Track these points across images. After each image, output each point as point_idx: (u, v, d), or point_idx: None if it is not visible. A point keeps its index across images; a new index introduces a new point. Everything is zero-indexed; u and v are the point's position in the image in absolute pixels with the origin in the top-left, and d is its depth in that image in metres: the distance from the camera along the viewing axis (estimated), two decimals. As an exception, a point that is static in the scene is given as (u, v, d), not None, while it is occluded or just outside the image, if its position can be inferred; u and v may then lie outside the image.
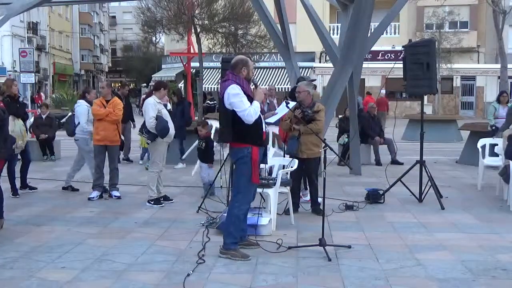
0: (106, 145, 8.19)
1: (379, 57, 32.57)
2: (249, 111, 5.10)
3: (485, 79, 34.10)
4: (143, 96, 8.61)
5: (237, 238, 5.37)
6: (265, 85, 31.46)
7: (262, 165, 6.04)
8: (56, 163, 12.37)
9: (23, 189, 8.65)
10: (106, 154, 8.32)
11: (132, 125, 12.44)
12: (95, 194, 8.13)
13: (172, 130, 7.77)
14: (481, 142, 9.40)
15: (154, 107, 7.61)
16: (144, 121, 7.67)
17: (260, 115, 5.25)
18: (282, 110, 6.39)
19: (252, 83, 5.37)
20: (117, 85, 63.95)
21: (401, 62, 8.42)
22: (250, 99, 5.20)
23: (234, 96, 5.13)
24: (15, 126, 8.08)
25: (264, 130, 5.38)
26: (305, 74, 14.00)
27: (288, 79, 23.84)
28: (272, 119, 6.27)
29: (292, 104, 6.61)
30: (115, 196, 8.21)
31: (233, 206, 5.38)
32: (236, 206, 5.35)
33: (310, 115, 6.87)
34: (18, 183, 8.61)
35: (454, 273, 4.88)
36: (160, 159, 7.83)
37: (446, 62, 29.10)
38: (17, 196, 8.31)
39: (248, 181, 5.28)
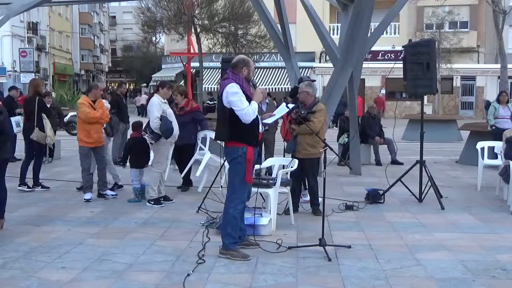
0: (95, 146, 8.16)
1: (379, 57, 32.56)
2: (247, 111, 5.10)
3: (485, 79, 34.09)
4: (145, 96, 8.50)
5: (235, 238, 5.36)
6: (264, 85, 31.53)
7: (257, 166, 6.03)
8: (56, 163, 12.31)
9: (23, 186, 8.66)
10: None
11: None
12: (89, 195, 8.06)
13: (176, 131, 7.74)
14: (480, 144, 9.40)
15: (159, 107, 7.56)
16: (149, 121, 7.66)
17: (257, 115, 5.25)
18: (281, 110, 6.38)
19: (251, 84, 5.37)
20: (114, 85, 63.74)
21: (401, 62, 8.42)
22: (249, 99, 5.20)
23: (233, 95, 5.12)
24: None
25: (260, 130, 5.38)
26: (305, 74, 13.97)
27: (288, 79, 23.83)
28: (269, 120, 6.26)
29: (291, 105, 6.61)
30: (108, 195, 8.20)
31: (228, 206, 5.37)
32: (231, 206, 5.34)
33: (302, 115, 6.85)
34: (16, 182, 8.64)
35: (454, 273, 4.88)
36: (164, 159, 7.81)
37: (446, 62, 29.11)
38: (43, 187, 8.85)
39: (242, 181, 5.28)
